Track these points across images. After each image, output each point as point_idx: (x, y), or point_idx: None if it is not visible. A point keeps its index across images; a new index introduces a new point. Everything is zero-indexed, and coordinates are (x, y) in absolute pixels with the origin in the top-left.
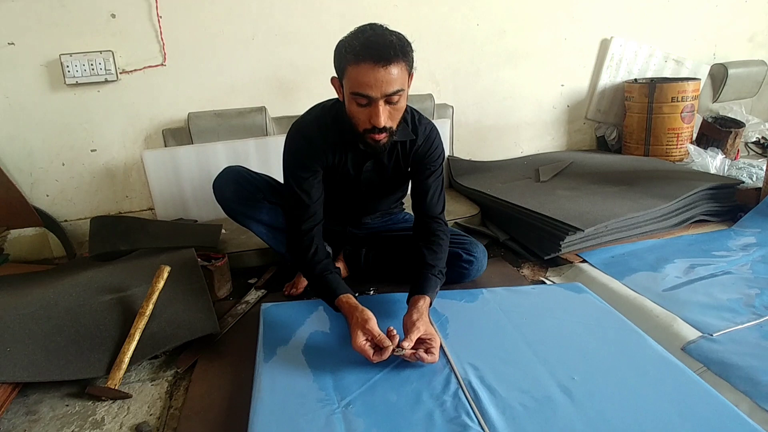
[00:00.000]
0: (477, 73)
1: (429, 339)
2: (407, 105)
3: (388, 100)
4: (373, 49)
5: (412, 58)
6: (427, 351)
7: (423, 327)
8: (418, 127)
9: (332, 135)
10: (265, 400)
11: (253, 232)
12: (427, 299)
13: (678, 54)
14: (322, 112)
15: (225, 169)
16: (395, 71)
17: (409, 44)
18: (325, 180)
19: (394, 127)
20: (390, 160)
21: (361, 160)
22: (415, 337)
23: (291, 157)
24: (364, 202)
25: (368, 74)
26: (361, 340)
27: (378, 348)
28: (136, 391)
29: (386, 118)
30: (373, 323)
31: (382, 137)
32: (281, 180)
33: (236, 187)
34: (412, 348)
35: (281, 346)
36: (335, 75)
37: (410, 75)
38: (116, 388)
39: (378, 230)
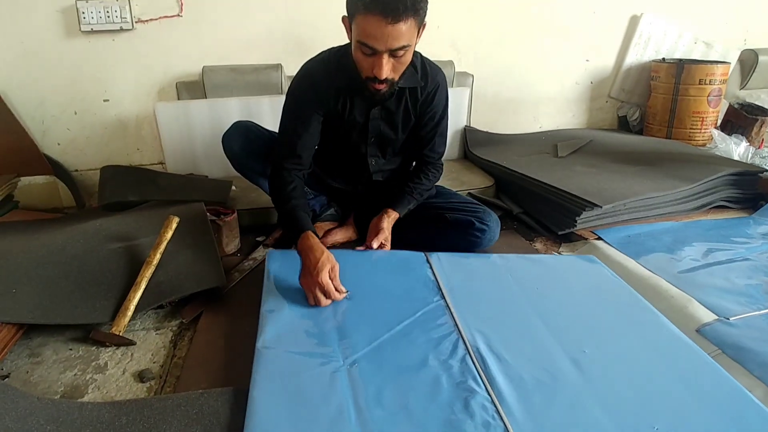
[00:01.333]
0: (499, 44)
1: (383, 246)
2: (416, 51)
3: (393, 54)
4: (383, 3)
5: (425, 11)
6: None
7: (383, 236)
8: (428, 73)
9: (338, 79)
10: (269, 354)
11: (257, 185)
12: (395, 214)
13: (708, 36)
14: (329, 56)
15: (235, 123)
16: (403, 27)
17: None
18: (333, 131)
19: (396, 78)
20: (398, 107)
21: (368, 106)
22: (376, 244)
23: (292, 97)
24: (375, 157)
25: (375, 27)
26: (328, 278)
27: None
28: (141, 339)
29: (389, 70)
30: (338, 270)
31: (383, 87)
32: None
33: (245, 141)
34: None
35: (287, 297)
36: (346, 14)
37: (422, 27)
38: (120, 334)
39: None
